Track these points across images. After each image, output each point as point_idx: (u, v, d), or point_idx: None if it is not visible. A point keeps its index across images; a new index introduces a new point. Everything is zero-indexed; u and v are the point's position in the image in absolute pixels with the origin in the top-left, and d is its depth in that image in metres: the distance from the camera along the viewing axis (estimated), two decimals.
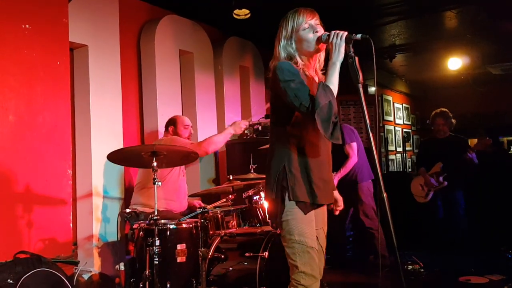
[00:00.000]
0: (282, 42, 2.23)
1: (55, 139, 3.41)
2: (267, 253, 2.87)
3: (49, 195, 3.33)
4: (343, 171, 4.33)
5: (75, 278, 3.16)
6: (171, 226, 3.08)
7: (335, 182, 4.18)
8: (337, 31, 2.08)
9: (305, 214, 2.13)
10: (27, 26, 3.32)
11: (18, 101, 3.23)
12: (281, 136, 2.22)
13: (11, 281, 2.77)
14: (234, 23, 4.78)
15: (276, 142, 2.24)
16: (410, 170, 9.25)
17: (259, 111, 5.79)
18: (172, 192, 3.75)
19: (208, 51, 5.28)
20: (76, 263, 3.27)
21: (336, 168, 4.25)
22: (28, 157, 3.23)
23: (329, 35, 2.11)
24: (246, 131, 5.29)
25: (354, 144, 4.41)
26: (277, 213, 2.15)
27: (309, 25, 2.18)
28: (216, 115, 5.32)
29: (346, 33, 2.07)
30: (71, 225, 3.46)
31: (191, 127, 4.12)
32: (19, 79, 3.24)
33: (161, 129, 4.37)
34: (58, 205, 3.38)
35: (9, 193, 3.11)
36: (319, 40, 2.15)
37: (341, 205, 2.56)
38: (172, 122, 4.05)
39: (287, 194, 2.12)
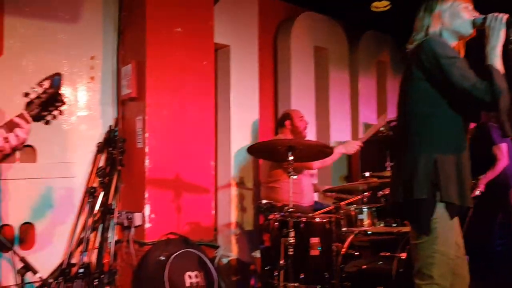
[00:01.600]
0: (436, 11, 2.02)
1: (200, 132, 3.70)
2: (405, 254, 2.75)
3: (195, 183, 3.63)
4: (490, 174, 3.92)
5: (216, 260, 3.41)
6: (305, 219, 3.14)
7: (482, 186, 3.82)
8: (495, 14, 1.87)
9: (451, 219, 1.94)
10: (178, 29, 3.65)
11: (171, 98, 3.58)
12: (428, 124, 1.98)
13: (163, 258, 3.11)
14: (371, 17, 4.66)
15: (418, 132, 1.99)
16: None
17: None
18: (298, 186, 3.81)
19: (343, 46, 5.23)
20: (217, 247, 3.53)
21: (476, 171, 3.86)
22: (178, 149, 3.57)
23: (485, 18, 1.90)
24: (381, 128, 5.14)
25: (504, 145, 3.96)
26: (425, 215, 1.93)
27: (467, 7, 2.00)
28: (350, 112, 5.25)
29: (506, 15, 1.85)
30: (213, 212, 3.73)
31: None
32: (172, 78, 3.58)
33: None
34: (202, 193, 3.67)
35: (163, 180, 3.47)
36: (473, 23, 1.96)
37: None
38: (287, 117, 4.04)
39: (438, 194, 1.90)
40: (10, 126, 1.46)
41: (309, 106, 4.78)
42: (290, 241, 2.98)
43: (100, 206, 3.40)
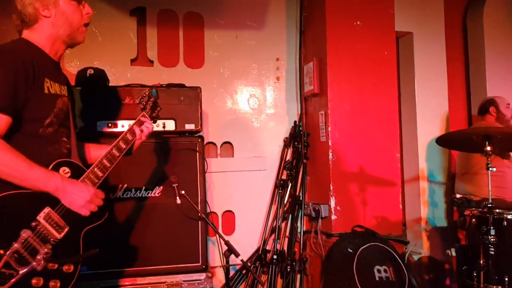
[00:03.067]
0: None
1: (383, 124, 3.62)
2: None
3: (380, 176, 3.56)
4: None
5: (406, 257, 3.29)
6: (509, 216, 2.79)
7: None
8: None
9: None
10: (358, 22, 3.64)
11: (352, 91, 3.58)
12: None
13: (351, 250, 3.14)
14: None
15: None
16: None
17: None
18: (500, 179, 3.40)
19: None
20: (406, 243, 3.40)
21: None
22: (361, 141, 3.55)
23: None
24: None
25: None
26: None
27: None
28: None
29: None
30: (400, 206, 3.60)
31: None
32: (353, 71, 3.59)
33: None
34: (388, 186, 3.58)
35: (347, 172, 3.51)
36: None
37: None
38: (491, 103, 3.75)
39: None
40: (140, 123, 2.00)
41: (509, 91, 4.23)
42: (491, 239, 2.71)
43: (289, 198, 3.62)
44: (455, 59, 4.35)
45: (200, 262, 2.88)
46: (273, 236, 3.56)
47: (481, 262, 2.76)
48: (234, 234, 3.64)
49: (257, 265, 3.47)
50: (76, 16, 1.80)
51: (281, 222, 3.56)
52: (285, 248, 3.55)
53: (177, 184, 2.78)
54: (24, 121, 1.65)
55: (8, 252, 1.50)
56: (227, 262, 2.73)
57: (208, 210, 3.28)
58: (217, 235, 3.07)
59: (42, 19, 1.75)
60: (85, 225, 1.73)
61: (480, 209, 2.92)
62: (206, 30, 3.71)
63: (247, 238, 3.64)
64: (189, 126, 2.95)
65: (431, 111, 4.02)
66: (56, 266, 1.60)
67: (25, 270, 1.52)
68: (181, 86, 3.04)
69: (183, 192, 2.78)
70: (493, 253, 2.71)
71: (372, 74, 3.64)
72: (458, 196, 3.26)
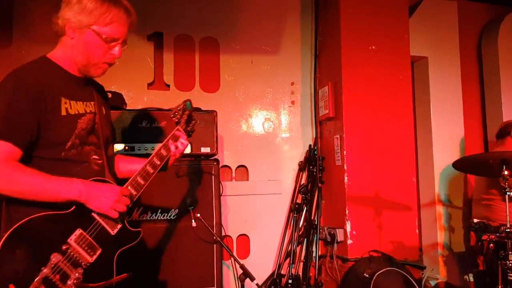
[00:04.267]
0: None
1: (399, 148, 3.61)
2: None
3: (396, 200, 3.53)
4: None
5: (423, 282, 3.24)
6: None
7: None
8: None
9: None
10: (373, 47, 3.67)
11: (367, 115, 3.59)
12: None
13: (367, 275, 3.10)
14: None
15: None
16: None
17: None
18: None
19: None
20: (423, 268, 3.35)
21: None
22: (377, 165, 3.54)
23: None
24: None
25: None
26: None
27: None
28: None
29: None
30: (417, 230, 3.56)
31: None
32: (368, 95, 3.60)
33: None
34: (404, 210, 3.54)
35: (362, 197, 3.49)
36: None
37: None
38: (510, 127, 3.62)
39: None
40: (175, 138, 1.86)
41: None
42: (509, 264, 2.65)
43: (304, 222, 3.61)
44: (470, 83, 4.35)
45: (215, 286, 2.87)
46: (288, 260, 3.53)
47: None
48: (249, 258, 3.62)
49: None
50: (97, 52, 1.67)
51: (296, 246, 3.54)
52: (300, 273, 3.52)
53: (192, 207, 2.80)
54: (44, 146, 1.59)
55: (37, 279, 1.41)
56: (242, 286, 2.72)
57: (223, 234, 3.28)
58: (232, 259, 3.07)
59: (66, 36, 1.66)
60: (119, 246, 1.65)
61: (498, 234, 2.87)
62: (221, 55, 3.78)
63: (261, 262, 3.62)
64: (205, 150, 2.98)
65: (447, 135, 4.00)
66: None
67: None
68: (197, 109, 3.07)
69: (198, 215, 2.80)
70: (511, 278, 2.65)
71: (387, 98, 3.65)
72: (475, 220, 3.20)
